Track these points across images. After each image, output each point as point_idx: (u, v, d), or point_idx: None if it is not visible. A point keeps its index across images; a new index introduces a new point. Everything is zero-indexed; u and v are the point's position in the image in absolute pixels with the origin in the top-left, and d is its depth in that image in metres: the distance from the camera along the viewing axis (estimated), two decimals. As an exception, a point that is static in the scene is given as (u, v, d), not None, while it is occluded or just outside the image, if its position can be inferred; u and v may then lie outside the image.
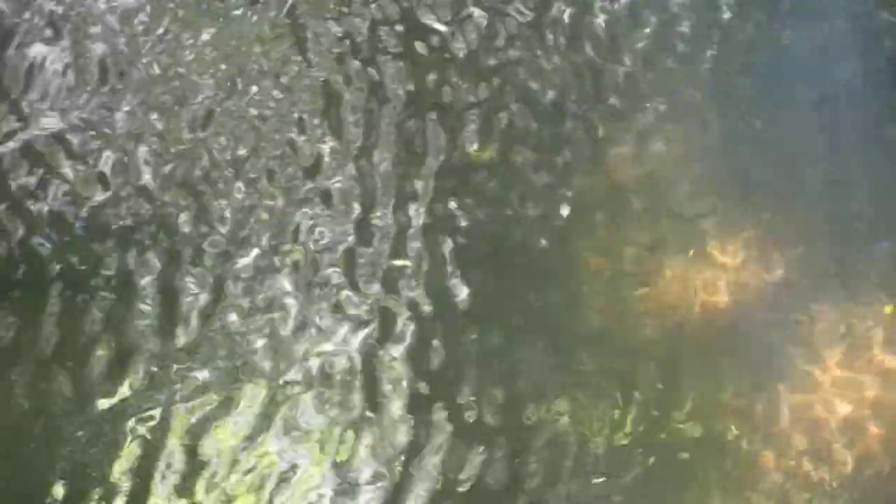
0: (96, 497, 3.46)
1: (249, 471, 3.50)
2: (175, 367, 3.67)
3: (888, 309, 3.76)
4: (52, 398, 3.61)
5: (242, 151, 4.13)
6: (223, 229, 3.96)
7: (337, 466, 3.52)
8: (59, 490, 3.45)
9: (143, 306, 3.78)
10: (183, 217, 3.98)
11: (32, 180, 4.04)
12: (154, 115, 4.20)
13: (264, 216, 3.99)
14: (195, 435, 3.56)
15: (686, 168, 4.12)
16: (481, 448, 3.54)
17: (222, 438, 3.55)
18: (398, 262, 3.90)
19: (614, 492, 3.48)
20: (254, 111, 4.22)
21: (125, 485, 3.47)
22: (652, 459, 3.53)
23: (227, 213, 3.99)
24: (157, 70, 4.30)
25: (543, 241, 3.97)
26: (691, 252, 3.92)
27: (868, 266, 3.87)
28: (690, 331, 3.78)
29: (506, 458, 3.53)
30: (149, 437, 3.54)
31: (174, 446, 3.53)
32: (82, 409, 3.59)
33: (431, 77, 4.32)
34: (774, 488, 3.49)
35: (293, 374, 3.67)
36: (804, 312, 3.78)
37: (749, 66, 4.35)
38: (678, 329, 3.79)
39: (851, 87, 4.26)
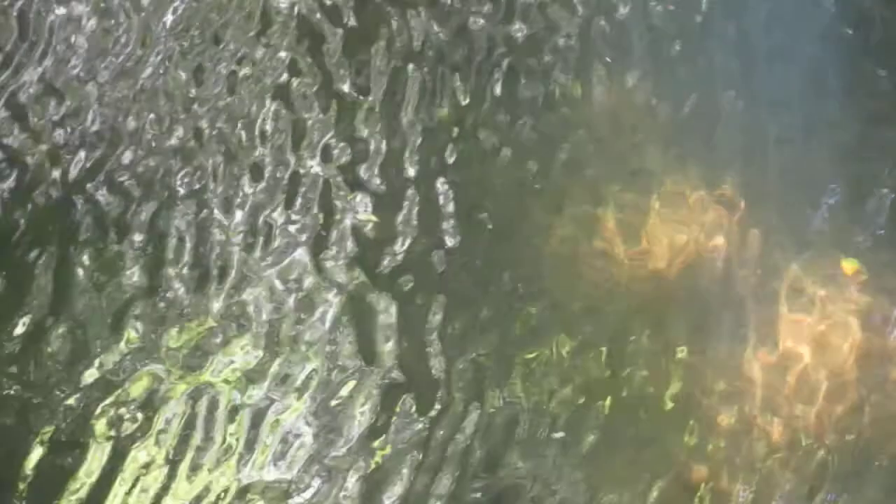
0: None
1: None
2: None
3: (845, 264, 3.77)
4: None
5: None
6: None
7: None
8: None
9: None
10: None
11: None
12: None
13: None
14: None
15: (645, 123, 4.14)
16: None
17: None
18: (364, 217, 3.95)
19: (571, 450, 3.52)
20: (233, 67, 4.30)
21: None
22: (608, 417, 3.58)
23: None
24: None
25: (507, 198, 4.00)
26: (647, 207, 3.94)
27: (823, 222, 3.86)
28: (645, 288, 3.82)
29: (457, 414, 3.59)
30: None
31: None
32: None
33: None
34: (733, 445, 3.52)
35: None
36: (759, 268, 3.80)
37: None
38: (632, 286, 3.82)
39: (802, 40, 4.25)
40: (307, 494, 3.45)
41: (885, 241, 3.83)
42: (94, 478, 3.48)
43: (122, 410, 3.57)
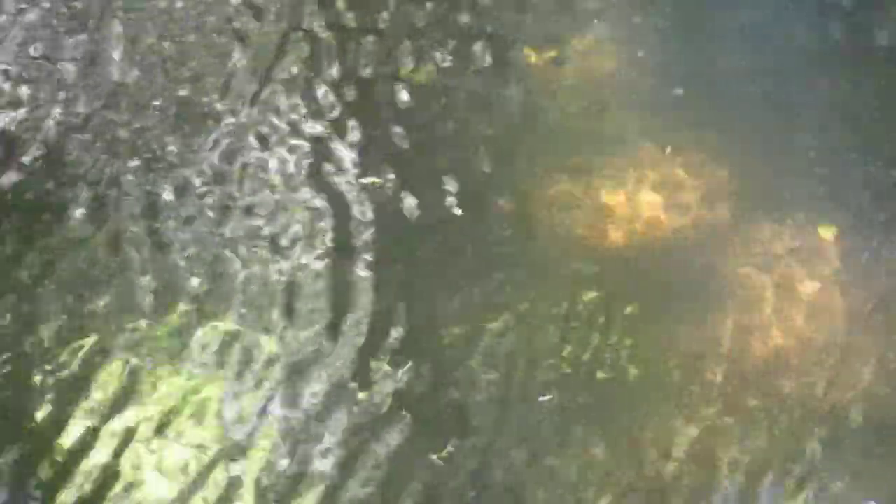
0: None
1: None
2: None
3: (822, 230, 3.79)
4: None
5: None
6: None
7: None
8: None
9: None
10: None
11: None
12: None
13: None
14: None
15: (623, 93, 4.11)
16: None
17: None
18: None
19: (560, 411, 3.52)
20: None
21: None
22: (599, 379, 3.58)
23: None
24: None
25: (481, 166, 3.96)
26: (620, 174, 3.94)
27: (803, 189, 3.88)
28: (629, 255, 3.81)
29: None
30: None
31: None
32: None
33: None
34: (719, 405, 3.55)
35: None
36: (739, 235, 3.81)
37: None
38: (615, 254, 3.81)
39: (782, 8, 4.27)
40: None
41: (859, 207, 3.87)
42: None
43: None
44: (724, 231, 3.84)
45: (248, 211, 3.84)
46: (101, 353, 3.55)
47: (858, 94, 4.11)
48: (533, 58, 4.16)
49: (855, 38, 4.22)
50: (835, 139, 4.00)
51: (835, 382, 3.58)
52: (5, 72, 4.04)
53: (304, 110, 4.03)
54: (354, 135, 3.99)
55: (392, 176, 3.90)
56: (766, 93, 4.09)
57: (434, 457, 3.45)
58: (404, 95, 4.08)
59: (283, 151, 3.96)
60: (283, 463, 3.42)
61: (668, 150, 3.95)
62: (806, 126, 4.02)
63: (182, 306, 3.65)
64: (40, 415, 3.44)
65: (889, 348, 3.62)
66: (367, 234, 3.80)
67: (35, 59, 4.07)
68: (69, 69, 4.06)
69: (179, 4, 4.23)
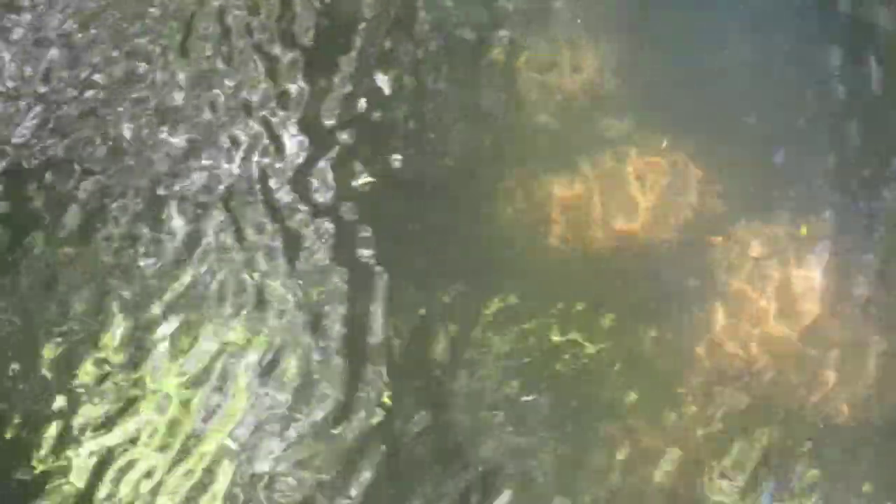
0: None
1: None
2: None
3: (803, 230, 3.81)
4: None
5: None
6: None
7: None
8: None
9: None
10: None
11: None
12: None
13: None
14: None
15: (602, 92, 4.11)
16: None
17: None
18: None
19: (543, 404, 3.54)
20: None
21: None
22: (582, 378, 3.60)
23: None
24: None
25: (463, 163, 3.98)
26: (607, 175, 3.94)
27: (785, 189, 3.90)
28: (611, 257, 3.82)
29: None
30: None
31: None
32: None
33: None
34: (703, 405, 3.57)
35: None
36: (721, 234, 3.83)
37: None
38: (596, 249, 3.82)
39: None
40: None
41: (841, 206, 3.89)
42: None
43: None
44: (707, 231, 3.85)
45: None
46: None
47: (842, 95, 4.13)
48: (520, 60, 4.16)
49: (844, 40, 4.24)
50: (816, 140, 4.02)
51: (819, 380, 3.60)
52: None
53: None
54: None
55: (371, 179, 3.92)
56: (749, 94, 4.10)
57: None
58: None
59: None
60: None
61: (665, 144, 3.96)
62: (788, 127, 4.03)
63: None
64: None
65: (875, 346, 3.65)
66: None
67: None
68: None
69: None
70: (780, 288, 3.73)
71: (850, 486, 3.43)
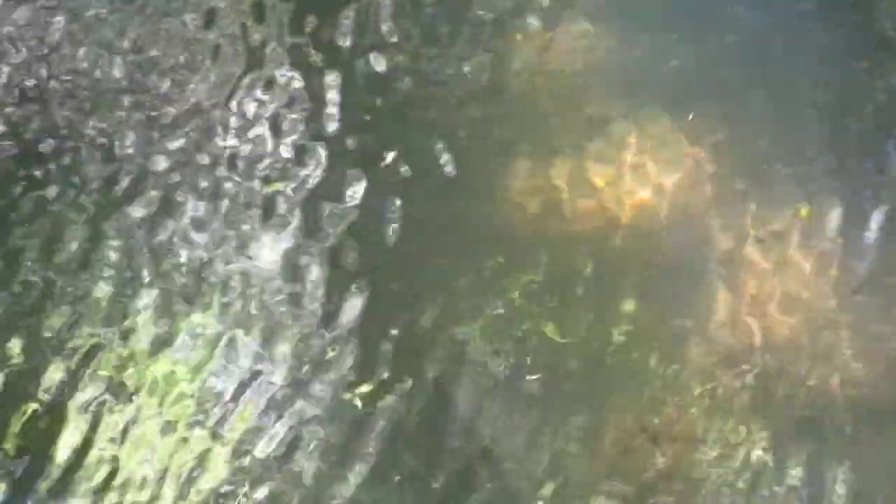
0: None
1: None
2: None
3: (803, 211, 3.81)
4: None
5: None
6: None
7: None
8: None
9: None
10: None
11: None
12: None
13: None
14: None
15: (607, 74, 4.12)
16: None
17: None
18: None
19: (551, 388, 3.56)
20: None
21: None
22: (587, 358, 3.62)
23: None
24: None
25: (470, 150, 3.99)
26: (608, 155, 3.96)
27: (784, 170, 3.90)
28: (614, 237, 3.83)
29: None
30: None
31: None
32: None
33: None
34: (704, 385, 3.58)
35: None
36: (722, 217, 3.83)
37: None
38: (602, 234, 3.83)
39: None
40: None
41: (840, 188, 3.89)
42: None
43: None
44: (707, 212, 3.85)
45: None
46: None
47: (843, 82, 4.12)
48: (519, 38, 4.17)
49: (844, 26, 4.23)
50: (815, 122, 4.01)
51: (819, 361, 3.60)
52: None
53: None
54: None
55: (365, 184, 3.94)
56: (751, 76, 4.09)
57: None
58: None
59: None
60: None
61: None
62: (787, 107, 4.03)
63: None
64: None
65: (874, 328, 3.65)
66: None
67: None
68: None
69: None
70: (781, 269, 3.74)
71: (851, 470, 3.44)
